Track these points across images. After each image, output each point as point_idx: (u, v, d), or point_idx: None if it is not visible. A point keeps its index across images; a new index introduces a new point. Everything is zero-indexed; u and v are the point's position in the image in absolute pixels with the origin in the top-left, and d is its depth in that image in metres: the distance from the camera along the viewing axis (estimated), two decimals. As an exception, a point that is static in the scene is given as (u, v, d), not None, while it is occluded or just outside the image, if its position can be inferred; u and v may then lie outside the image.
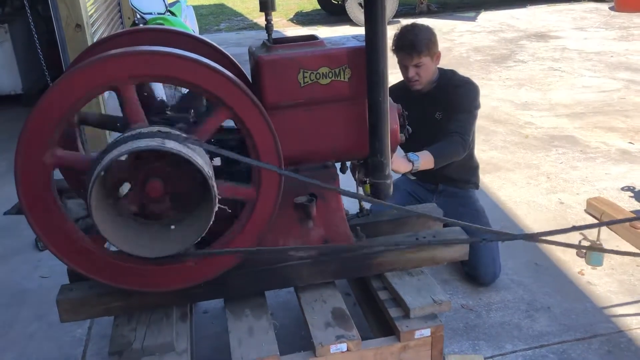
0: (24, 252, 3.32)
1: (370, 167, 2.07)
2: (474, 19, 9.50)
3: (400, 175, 3.01)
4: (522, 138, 4.62)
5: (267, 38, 2.04)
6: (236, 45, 8.22)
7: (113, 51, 1.74)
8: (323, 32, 8.97)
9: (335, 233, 2.16)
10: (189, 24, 5.93)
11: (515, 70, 6.52)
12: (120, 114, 1.85)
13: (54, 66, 4.72)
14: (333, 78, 1.98)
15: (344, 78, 1.99)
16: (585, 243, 2.97)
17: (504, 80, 6.14)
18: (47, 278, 3.05)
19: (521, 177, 3.95)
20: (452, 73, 2.86)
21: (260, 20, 10.65)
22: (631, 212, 3.22)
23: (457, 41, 7.95)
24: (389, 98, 1.99)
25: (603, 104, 5.29)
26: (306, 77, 1.95)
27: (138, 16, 5.41)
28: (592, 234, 3.01)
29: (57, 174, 1.87)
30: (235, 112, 1.81)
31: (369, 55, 1.92)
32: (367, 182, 2.21)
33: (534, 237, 1.65)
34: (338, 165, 2.23)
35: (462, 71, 2.93)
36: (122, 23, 6.81)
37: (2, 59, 5.62)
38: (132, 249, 1.79)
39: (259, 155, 1.87)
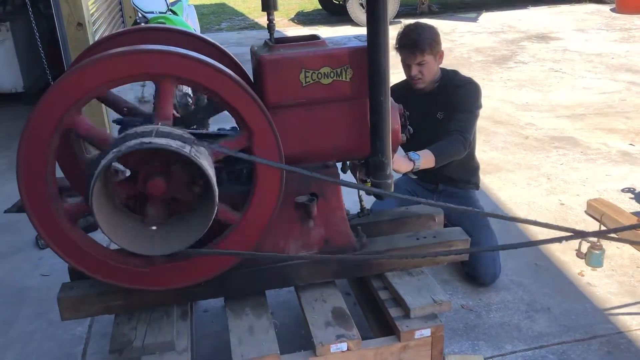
0: (24, 250, 3.32)
1: (371, 167, 2.07)
2: (475, 19, 9.51)
3: (400, 175, 3.01)
4: (523, 139, 4.62)
5: (268, 37, 2.04)
6: (237, 45, 8.22)
7: (124, 48, 1.75)
8: (324, 32, 8.97)
9: (335, 233, 2.16)
10: (191, 23, 5.94)
11: (516, 71, 6.53)
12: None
13: (55, 65, 4.73)
14: (335, 78, 1.98)
15: (346, 78, 1.99)
16: (586, 244, 2.97)
17: (505, 81, 6.14)
18: (47, 276, 3.05)
19: (521, 178, 3.96)
20: (454, 73, 2.87)
21: (261, 19, 10.65)
22: (631, 213, 3.22)
23: (458, 42, 7.96)
24: (390, 98, 1.99)
25: (604, 106, 5.29)
26: (308, 76, 1.96)
27: (140, 15, 5.42)
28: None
29: (59, 173, 1.88)
30: (237, 112, 1.81)
31: (370, 55, 1.92)
32: (368, 181, 2.22)
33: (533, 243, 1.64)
34: (339, 165, 2.23)
35: (463, 72, 2.93)
36: (123, 22, 6.81)
37: (4, 57, 5.62)
38: (132, 247, 1.79)
39: (261, 155, 1.87)
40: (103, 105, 4.16)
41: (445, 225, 2.55)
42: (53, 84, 1.72)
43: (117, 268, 1.90)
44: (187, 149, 1.66)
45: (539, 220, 3.36)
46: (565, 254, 3.04)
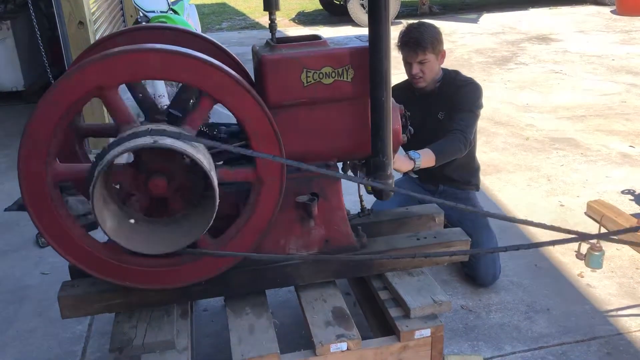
0: (24, 249, 3.32)
1: (372, 167, 2.07)
2: (475, 21, 9.51)
3: (401, 176, 3.02)
4: (523, 140, 4.63)
5: (270, 37, 2.04)
6: (238, 45, 8.22)
7: (124, 47, 1.75)
8: (325, 32, 8.97)
9: (336, 233, 2.16)
10: (192, 23, 5.93)
11: (517, 72, 6.53)
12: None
13: (55, 63, 4.73)
14: (336, 78, 1.98)
15: (347, 78, 1.99)
16: (585, 246, 2.97)
17: (505, 82, 6.15)
18: (47, 274, 3.05)
19: (522, 179, 3.96)
20: (456, 73, 2.87)
21: (262, 19, 10.66)
22: (631, 215, 3.22)
23: (458, 43, 7.96)
24: (391, 98, 2.00)
25: (604, 107, 5.29)
26: (309, 76, 1.96)
27: (141, 14, 5.41)
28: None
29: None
30: (239, 112, 1.82)
31: (372, 55, 1.92)
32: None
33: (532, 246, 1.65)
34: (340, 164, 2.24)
35: (464, 73, 2.93)
36: (124, 21, 6.81)
37: (4, 56, 5.62)
38: (133, 245, 1.79)
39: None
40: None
41: (446, 226, 2.55)
42: (56, 82, 1.72)
43: (117, 266, 1.90)
44: (193, 151, 1.66)
45: (537, 220, 3.36)
46: (565, 256, 3.05)
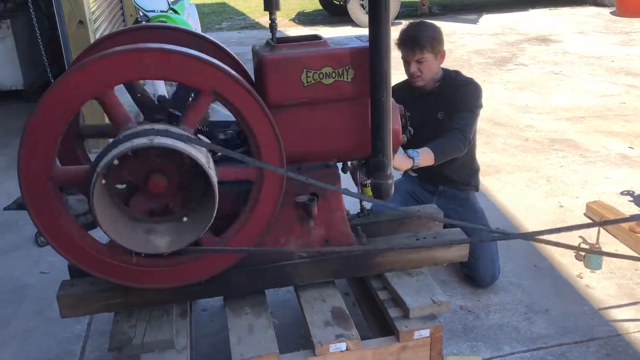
0: (24, 248, 3.32)
1: (372, 167, 2.07)
2: (475, 21, 9.52)
3: (400, 176, 3.02)
4: (523, 141, 4.63)
5: (270, 37, 2.04)
6: (238, 45, 8.22)
7: (123, 47, 1.75)
8: (325, 32, 8.97)
9: (335, 233, 2.16)
10: (192, 22, 5.93)
11: (516, 73, 6.53)
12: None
13: (55, 62, 4.73)
14: (336, 78, 1.98)
15: (347, 78, 1.99)
16: (585, 246, 2.97)
17: (505, 83, 6.15)
18: (47, 274, 3.05)
19: (521, 180, 3.96)
20: (456, 73, 2.87)
21: (262, 19, 10.66)
22: (630, 215, 3.22)
23: (458, 43, 7.97)
24: (391, 98, 2.00)
25: (603, 108, 5.30)
26: (309, 76, 1.96)
27: (141, 13, 5.41)
28: (591, 237, 3.02)
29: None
30: (239, 111, 1.82)
31: (372, 55, 1.92)
32: (367, 185, 2.23)
33: (529, 236, 1.65)
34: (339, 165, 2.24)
35: (463, 73, 2.93)
36: (124, 20, 6.81)
37: (4, 55, 5.62)
38: (132, 245, 1.79)
39: (262, 154, 1.88)
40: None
41: (445, 226, 2.55)
42: (55, 82, 1.72)
43: (116, 266, 1.90)
44: (189, 149, 1.66)
45: (538, 223, 3.37)
46: (564, 256, 3.05)
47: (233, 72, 1.80)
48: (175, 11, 5.59)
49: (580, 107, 5.35)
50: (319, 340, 1.95)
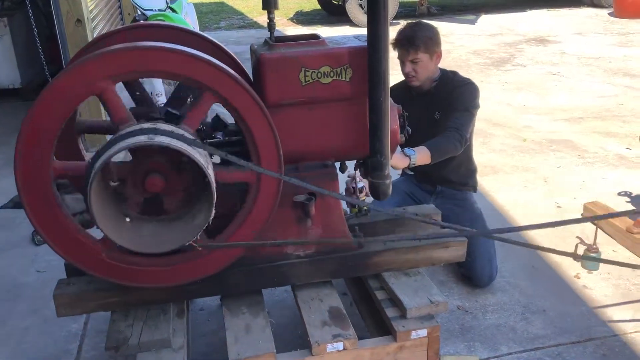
0: (20, 246, 3.31)
1: (369, 167, 2.07)
2: (473, 22, 9.52)
3: (398, 176, 3.02)
4: (520, 141, 4.63)
5: (268, 36, 2.04)
6: (236, 44, 8.22)
7: (121, 45, 1.75)
8: (323, 32, 8.97)
9: (333, 232, 2.16)
10: (190, 21, 5.92)
11: (514, 73, 6.54)
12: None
13: (53, 61, 4.72)
14: (334, 77, 1.98)
15: (346, 78, 1.99)
16: (582, 247, 2.98)
17: (503, 84, 6.16)
18: (43, 272, 3.05)
19: (519, 180, 3.96)
20: (453, 74, 2.88)
21: (260, 19, 10.65)
22: (620, 211, 3.22)
23: (456, 44, 7.97)
24: (389, 98, 2.00)
25: (601, 109, 5.31)
26: (307, 76, 1.95)
27: (139, 12, 5.40)
28: (589, 238, 3.02)
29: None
30: (237, 110, 1.82)
31: (370, 55, 1.92)
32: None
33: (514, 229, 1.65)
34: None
35: (461, 74, 2.94)
36: (122, 19, 6.80)
37: (1, 53, 5.60)
38: (128, 244, 1.78)
39: (260, 153, 1.87)
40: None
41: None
42: (53, 80, 1.71)
43: (113, 265, 1.90)
44: (190, 150, 1.66)
45: (534, 221, 3.37)
46: (561, 257, 3.05)
47: (231, 71, 1.80)
48: (173, 10, 5.57)
49: (578, 108, 5.35)
50: (316, 340, 1.95)
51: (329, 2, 10.60)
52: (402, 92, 2.81)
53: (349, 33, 2.49)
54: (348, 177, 2.52)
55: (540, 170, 4.10)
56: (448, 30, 8.64)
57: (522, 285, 2.85)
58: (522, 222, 3.40)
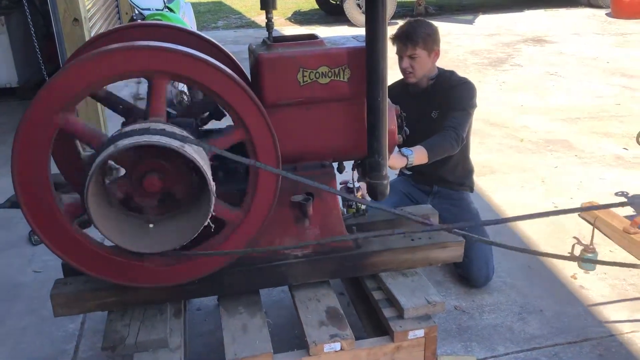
0: (17, 246, 3.31)
1: (367, 168, 2.07)
2: (471, 22, 9.53)
3: (395, 177, 3.02)
4: (518, 142, 4.64)
5: (267, 36, 2.04)
6: (234, 43, 8.21)
7: (120, 44, 1.74)
8: (321, 31, 8.97)
9: (331, 232, 2.16)
10: (187, 21, 5.92)
11: (512, 74, 6.55)
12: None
13: (50, 60, 4.71)
14: (332, 78, 1.98)
15: (344, 78, 1.99)
16: (579, 247, 2.98)
17: (501, 84, 6.16)
18: (40, 272, 3.04)
19: (516, 180, 3.97)
20: (451, 73, 2.88)
21: (258, 18, 10.65)
22: (624, 217, 3.24)
23: (454, 44, 7.98)
24: (387, 99, 2.00)
25: (598, 110, 5.32)
26: (306, 76, 1.95)
27: (136, 12, 5.40)
28: (585, 238, 3.03)
29: (54, 169, 1.87)
30: (234, 110, 1.81)
31: (368, 55, 1.92)
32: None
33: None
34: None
35: (459, 74, 2.94)
36: (119, 18, 6.79)
37: (-1, 52, 5.60)
38: (126, 244, 1.78)
39: (257, 153, 1.87)
40: (99, 104, 4.16)
41: (440, 227, 2.55)
42: (50, 79, 1.71)
43: (111, 265, 1.90)
44: (185, 147, 1.66)
45: (532, 223, 3.37)
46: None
47: (229, 71, 1.80)
48: (171, 9, 5.57)
49: (576, 108, 5.36)
50: (314, 340, 1.95)
51: (327, 2, 10.60)
52: (399, 91, 2.82)
53: (347, 33, 2.49)
54: (340, 184, 2.54)
55: (537, 170, 4.11)
56: (446, 30, 8.64)
57: (519, 285, 2.85)
58: (519, 223, 3.40)
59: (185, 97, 3.16)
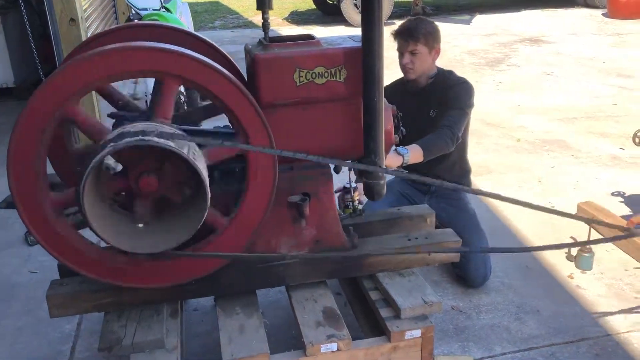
0: (13, 246, 3.30)
1: (364, 168, 2.07)
2: (468, 22, 9.54)
3: (392, 176, 3.02)
4: (514, 141, 4.64)
5: (263, 36, 2.04)
6: (231, 43, 8.21)
7: (114, 45, 1.74)
8: (318, 31, 8.97)
9: (327, 233, 2.16)
10: (184, 21, 5.91)
11: (509, 74, 6.56)
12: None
13: (47, 60, 4.70)
14: (329, 78, 1.98)
15: (340, 78, 1.99)
16: (576, 246, 2.99)
17: (497, 84, 6.17)
18: (36, 273, 3.03)
19: (513, 180, 3.97)
20: (450, 73, 2.89)
21: (255, 18, 10.64)
22: (621, 217, 3.24)
23: (451, 44, 7.98)
24: (384, 99, 2.00)
25: (595, 110, 5.33)
26: (302, 76, 1.95)
27: (133, 12, 5.38)
28: (582, 236, 3.03)
29: (50, 169, 1.86)
30: (231, 110, 1.81)
31: (365, 55, 1.92)
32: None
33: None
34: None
35: (456, 73, 2.94)
36: (116, 18, 6.77)
37: (-5, 52, 5.58)
38: (121, 244, 1.78)
39: (255, 154, 1.87)
40: (94, 98, 4.16)
41: (437, 227, 2.56)
42: (47, 79, 1.70)
43: (106, 265, 1.89)
44: (185, 150, 1.65)
45: (529, 223, 3.38)
46: (555, 257, 3.06)
47: (225, 71, 1.80)
48: (167, 10, 5.55)
49: (572, 108, 5.37)
50: (310, 340, 1.95)
51: (324, 2, 10.60)
52: (397, 90, 2.82)
53: (344, 33, 2.50)
54: (336, 192, 2.54)
55: (534, 170, 4.12)
56: (443, 31, 8.59)
57: (516, 285, 2.86)
58: (515, 221, 3.41)
59: (182, 97, 3.16)
